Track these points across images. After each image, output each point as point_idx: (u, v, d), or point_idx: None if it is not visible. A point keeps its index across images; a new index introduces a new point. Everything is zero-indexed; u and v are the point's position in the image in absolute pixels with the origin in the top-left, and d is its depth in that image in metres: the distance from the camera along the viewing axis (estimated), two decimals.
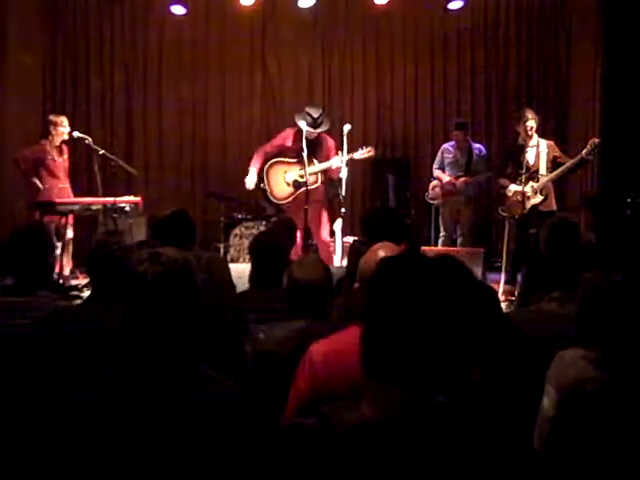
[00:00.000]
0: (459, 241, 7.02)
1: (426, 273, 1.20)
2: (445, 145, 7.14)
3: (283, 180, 6.23)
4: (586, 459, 1.96)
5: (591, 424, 1.97)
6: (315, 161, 6.13)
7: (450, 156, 6.98)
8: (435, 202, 7.10)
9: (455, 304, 1.17)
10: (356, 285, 2.14)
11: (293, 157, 6.18)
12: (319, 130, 6.14)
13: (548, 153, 6.13)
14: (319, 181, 6.18)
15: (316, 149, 6.15)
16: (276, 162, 6.30)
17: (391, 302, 1.19)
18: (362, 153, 6.16)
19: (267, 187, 6.27)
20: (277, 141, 6.39)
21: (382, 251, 2.11)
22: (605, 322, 2.08)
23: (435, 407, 1.16)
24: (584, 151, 5.87)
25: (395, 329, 1.17)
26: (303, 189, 6.01)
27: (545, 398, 2.13)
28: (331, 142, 6.31)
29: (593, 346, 2.07)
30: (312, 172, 6.09)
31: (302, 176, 6.03)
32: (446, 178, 6.92)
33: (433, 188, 7.03)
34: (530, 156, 6.11)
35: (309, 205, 5.95)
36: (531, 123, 6.12)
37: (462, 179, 6.84)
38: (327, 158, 6.19)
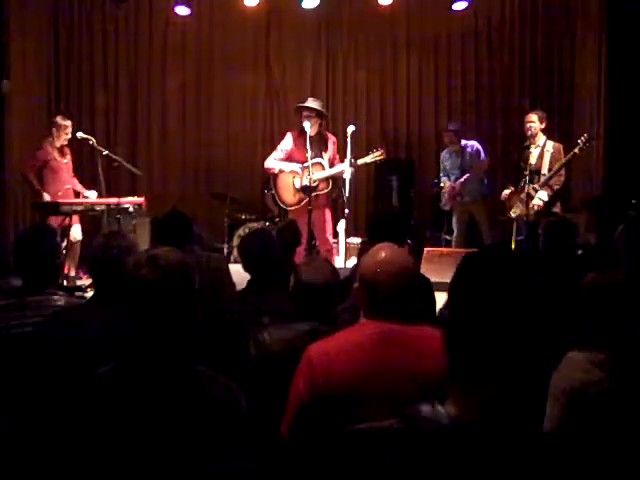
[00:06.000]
0: (484, 236, 7.09)
1: (508, 268, 1.23)
2: (442, 153, 7.29)
3: (292, 186, 6.12)
4: (592, 460, 1.95)
5: (597, 427, 1.96)
6: (325, 165, 6.06)
7: (448, 163, 7.13)
8: (447, 208, 7.26)
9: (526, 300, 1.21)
10: (355, 285, 2.12)
11: (301, 162, 6.03)
12: (323, 112, 6.16)
13: (552, 154, 6.13)
14: (330, 186, 6.09)
15: (321, 148, 6.10)
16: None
17: (475, 300, 1.21)
18: (374, 156, 6.11)
19: (275, 193, 6.22)
20: (285, 147, 6.17)
21: (383, 252, 2.09)
22: (608, 323, 2.07)
23: (518, 405, 1.19)
24: (576, 149, 5.94)
25: (480, 327, 1.20)
26: (313, 194, 5.90)
27: (549, 400, 2.11)
28: (333, 138, 6.28)
29: (599, 349, 2.06)
30: (322, 178, 6.01)
31: (314, 180, 5.92)
32: (447, 184, 7.07)
33: (442, 195, 7.20)
34: (533, 156, 6.12)
35: (313, 207, 5.90)
36: (531, 125, 6.15)
37: (459, 181, 6.96)
38: (332, 155, 6.15)
